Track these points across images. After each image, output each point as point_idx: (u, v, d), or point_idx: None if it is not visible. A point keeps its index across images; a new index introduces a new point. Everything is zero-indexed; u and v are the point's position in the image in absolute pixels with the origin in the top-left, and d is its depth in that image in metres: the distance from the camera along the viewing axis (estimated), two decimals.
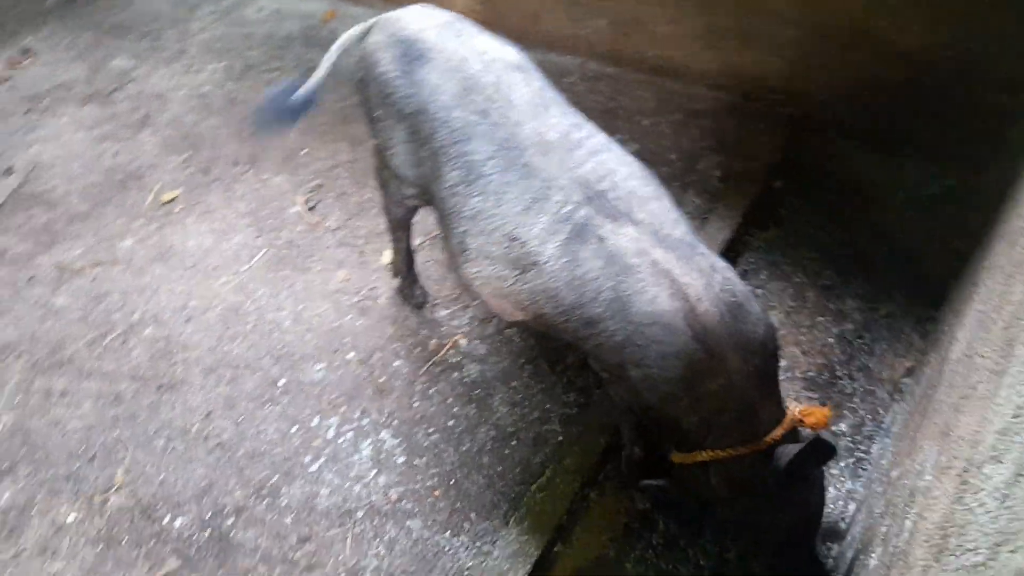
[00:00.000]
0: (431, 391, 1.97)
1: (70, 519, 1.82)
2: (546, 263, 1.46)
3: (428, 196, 1.72)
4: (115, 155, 2.77)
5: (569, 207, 1.45)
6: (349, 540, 1.71)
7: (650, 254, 1.41)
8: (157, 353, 2.13)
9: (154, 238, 2.45)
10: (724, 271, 1.46)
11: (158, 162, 2.72)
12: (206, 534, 1.75)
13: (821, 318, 2.13)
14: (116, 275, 2.35)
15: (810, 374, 2.00)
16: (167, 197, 2.57)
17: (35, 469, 1.92)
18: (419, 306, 2.15)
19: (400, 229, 2.02)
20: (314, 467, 1.85)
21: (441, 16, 1.71)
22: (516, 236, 1.48)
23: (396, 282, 2.16)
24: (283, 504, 1.79)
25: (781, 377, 1.94)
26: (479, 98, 1.55)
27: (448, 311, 2.15)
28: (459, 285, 2.15)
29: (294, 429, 1.92)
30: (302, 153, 2.68)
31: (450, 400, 1.95)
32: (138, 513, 1.81)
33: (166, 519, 1.79)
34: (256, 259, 2.34)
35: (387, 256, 2.25)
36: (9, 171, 2.80)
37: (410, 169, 1.70)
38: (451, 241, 1.61)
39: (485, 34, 1.69)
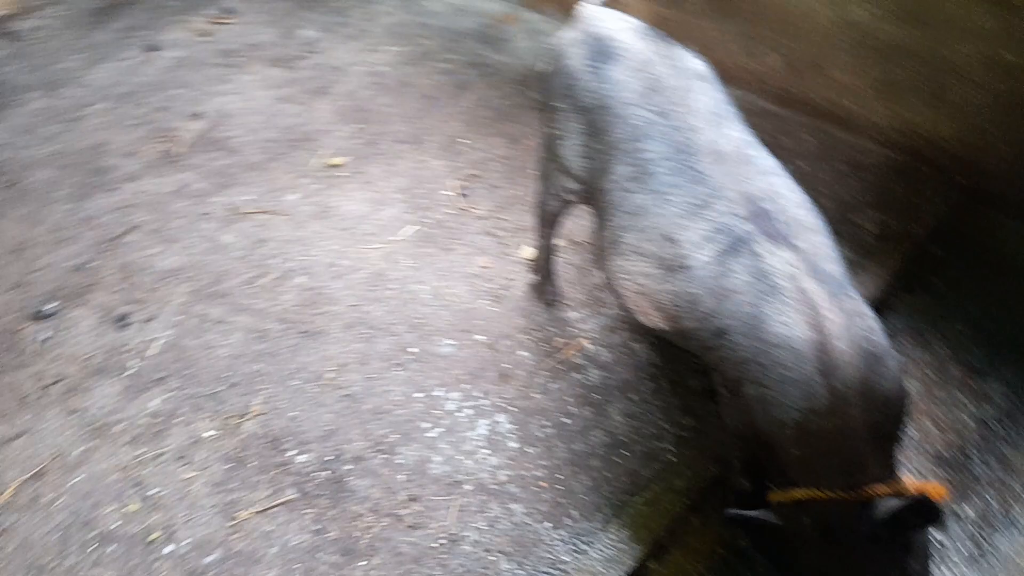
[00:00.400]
0: (551, 386, 2.02)
1: (207, 434, 1.99)
2: (695, 268, 1.49)
3: (588, 192, 1.79)
4: (292, 116, 3.00)
5: (731, 219, 1.48)
6: (454, 509, 1.79)
7: (800, 281, 1.41)
8: (304, 301, 2.29)
9: (317, 197, 2.63)
10: (869, 319, 1.44)
11: (330, 129, 2.92)
12: (324, 474, 1.87)
13: (961, 396, 2.04)
14: (278, 224, 2.55)
15: (941, 451, 1.92)
16: (334, 162, 2.76)
17: (184, 384, 2.11)
18: (551, 304, 2.21)
19: (548, 225, 2.09)
20: (431, 434, 1.94)
21: (634, 21, 1.79)
22: (672, 237, 1.52)
23: (532, 277, 2.24)
24: (398, 462, 1.88)
25: (910, 448, 1.89)
26: (661, 100, 1.60)
27: (578, 314, 2.20)
28: (604, 279, 2.19)
29: (418, 395, 2.02)
30: (461, 142, 2.80)
31: (568, 399, 2.00)
32: (267, 442, 1.96)
33: (291, 453, 1.93)
34: (406, 232, 2.47)
35: (528, 251, 2.33)
36: (198, 116, 3.08)
37: (578, 161, 1.77)
38: (606, 234, 1.66)
39: (674, 42, 1.75)
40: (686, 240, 1.51)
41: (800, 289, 1.41)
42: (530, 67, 3.11)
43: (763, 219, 1.48)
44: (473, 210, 2.53)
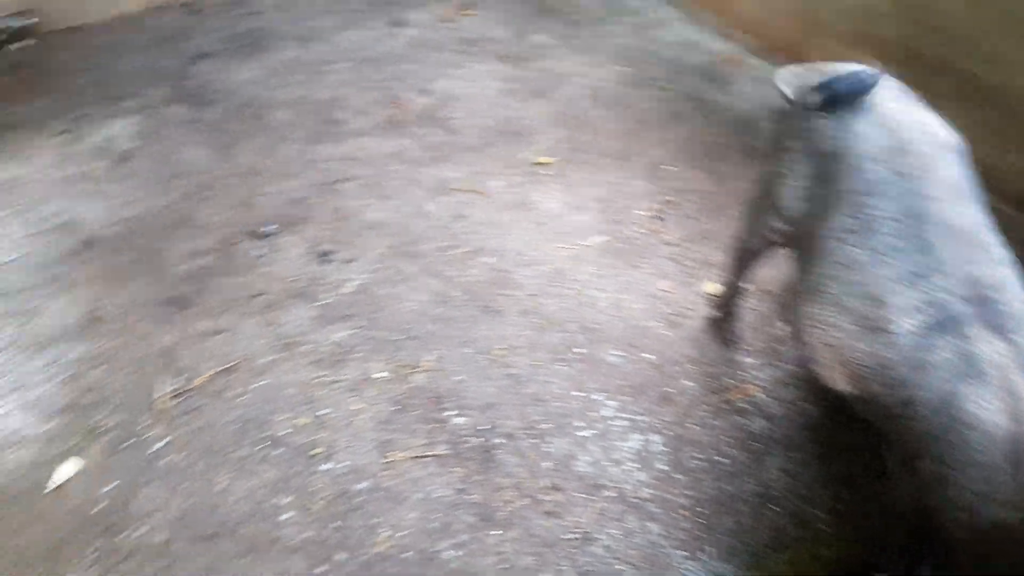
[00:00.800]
0: (711, 422, 2.01)
1: (379, 375, 2.14)
2: (897, 334, 1.45)
3: (796, 236, 1.77)
4: (511, 110, 3.16)
5: (948, 296, 1.43)
6: (592, 510, 1.81)
7: (1008, 373, 1.35)
8: (489, 280, 2.40)
9: (519, 188, 2.76)
10: None
11: (543, 129, 3.05)
12: (477, 441, 1.96)
13: None
14: (480, 204, 2.69)
15: None
16: (541, 160, 2.88)
17: (368, 325, 2.28)
18: (726, 344, 2.19)
19: (743, 264, 2.08)
20: (583, 433, 1.97)
21: (890, 80, 1.76)
22: (880, 299, 1.48)
23: (713, 313, 2.23)
24: (547, 450, 1.94)
25: None
26: (904, 161, 1.57)
27: (752, 361, 2.17)
28: (789, 330, 2.15)
29: (577, 394, 2.07)
30: (665, 168, 2.84)
31: (725, 438, 1.97)
32: (431, 397, 2.07)
33: (450, 413, 2.03)
34: (594, 240, 2.54)
35: (712, 287, 2.32)
36: (427, 92, 3.31)
37: (794, 203, 1.76)
38: (806, 279, 1.64)
39: (928, 109, 1.71)
40: (894, 304, 1.47)
41: (1007, 379, 1.34)
42: (749, 111, 3.11)
43: (984, 305, 1.42)
44: (664, 234, 2.56)
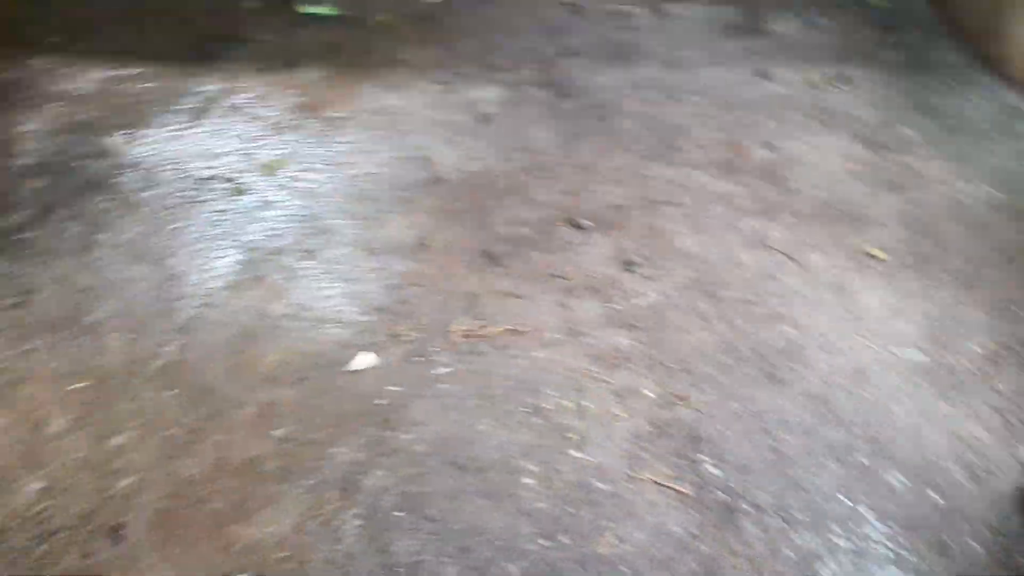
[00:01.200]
0: None
1: (647, 393, 2.16)
2: None
3: None
4: (854, 192, 3.00)
5: None
6: None
7: None
8: (783, 349, 2.31)
9: (841, 271, 2.61)
10: None
11: (884, 222, 2.85)
12: (723, 497, 1.90)
13: None
14: (794, 272, 2.60)
15: None
16: (874, 251, 2.71)
17: (649, 343, 2.31)
18: None
19: None
20: (838, 541, 1.83)
21: None
22: None
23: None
24: (793, 539, 1.82)
25: None
26: None
27: None
28: None
29: (843, 499, 1.92)
30: (1017, 311, 2.52)
31: None
32: (690, 436, 2.05)
33: (705, 458, 1.99)
34: (909, 354, 2.33)
35: None
36: (771, 147, 3.26)
37: None
38: None
39: None
40: None
41: None
42: None
43: None
44: (995, 381, 2.28)
